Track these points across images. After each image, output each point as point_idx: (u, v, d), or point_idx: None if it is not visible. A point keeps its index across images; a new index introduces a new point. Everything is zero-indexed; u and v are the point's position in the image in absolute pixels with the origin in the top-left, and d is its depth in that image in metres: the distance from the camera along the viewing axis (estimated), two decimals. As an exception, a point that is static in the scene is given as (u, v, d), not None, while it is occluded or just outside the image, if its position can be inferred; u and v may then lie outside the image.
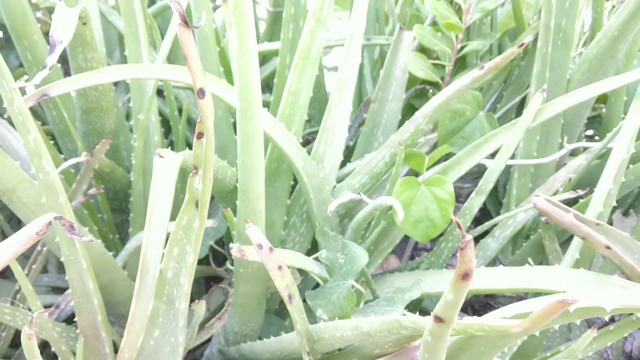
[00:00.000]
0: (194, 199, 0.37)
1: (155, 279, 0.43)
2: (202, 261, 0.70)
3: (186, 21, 0.28)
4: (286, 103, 0.59)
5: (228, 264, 0.56)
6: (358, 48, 0.63)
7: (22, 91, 0.79)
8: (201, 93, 0.29)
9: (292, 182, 0.62)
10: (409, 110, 0.77)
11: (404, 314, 0.47)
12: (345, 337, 0.43)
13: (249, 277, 0.53)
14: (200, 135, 0.31)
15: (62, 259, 0.46)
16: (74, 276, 0.47)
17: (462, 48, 0.69)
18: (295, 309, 0.43)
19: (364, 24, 0.63)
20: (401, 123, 0.69)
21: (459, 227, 0.25)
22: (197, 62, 0.28)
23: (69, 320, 0.61)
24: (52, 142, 0.69)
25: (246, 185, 0.46)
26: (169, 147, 0.77)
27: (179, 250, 0.41)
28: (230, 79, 0.72)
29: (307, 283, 0.64)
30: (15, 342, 0.62)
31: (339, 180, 0.64)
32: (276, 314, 0.64)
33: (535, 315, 0.25)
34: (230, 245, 0.47)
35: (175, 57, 0.84)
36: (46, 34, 0.70)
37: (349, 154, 0.74)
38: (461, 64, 0.71)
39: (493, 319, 0.31)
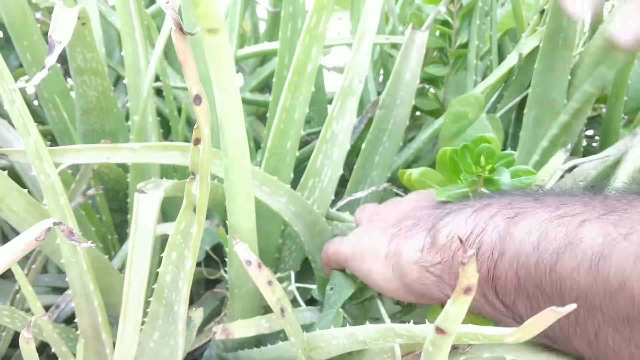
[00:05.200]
0: (191, 204, 0.37)
1: (138, 324, 0.44)
2: (202, 262, 0.70)
3: (181, 27, 0.28)
4: (280, 119, 0.58)
5: (222, 272, 0.56)
6: (368, 50, 0.60)
7: (23, 92, 0.79)
8: (197, 100, 0.29)
9: (292, 176, 0.62)
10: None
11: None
12: (341, 345, 0.43)
13: (244, 296, 0.53)
14: (197, 142, 0.31)
15: (62, 261, 0.46)
16: (75, 278, 0.47)
17: (459, 46, 0.69)
18: (289, 322, 0.43)
19: (376, 22, 0.60)
20: (408, 128, 0.68)
21: (461, 241, 0.25)
22: (193, 69, 0.28)
23: (69, 320, 0.61)
24: (52, 142, 0.69)
25: (234, 207, 0.46)
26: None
27: (177, 254, 0.41)
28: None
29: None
30: (15, 342, 0.62)
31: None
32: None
33: (527, 323, 0.26)
34: (214, 328, 0.47)
35: (174, 56, 0.84)
36: (46, 34, 0.70)
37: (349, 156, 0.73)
38: (462, 63, 0.71)
39: (487, 328, 0.31)
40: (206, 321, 0.61)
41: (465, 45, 0.70)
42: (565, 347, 0.34)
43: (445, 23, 0.69)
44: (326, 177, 0.61)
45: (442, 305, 0.50)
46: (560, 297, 0.31)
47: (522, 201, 0.36)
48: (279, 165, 0.61)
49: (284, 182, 0.61)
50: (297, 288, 0.58)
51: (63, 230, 0.36)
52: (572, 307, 0.24)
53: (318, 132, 0.80)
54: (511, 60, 0.66)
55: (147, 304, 0.46)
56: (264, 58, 0.97)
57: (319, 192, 0.61)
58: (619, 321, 0.29)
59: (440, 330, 0.29)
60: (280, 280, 0.57)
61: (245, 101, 0.86)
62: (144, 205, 0.45)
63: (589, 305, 0.30)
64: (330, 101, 0.95)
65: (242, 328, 0.48)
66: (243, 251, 0.39)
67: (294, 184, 0.61)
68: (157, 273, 0.44)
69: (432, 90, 0.75)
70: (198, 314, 0.44)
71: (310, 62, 0.56)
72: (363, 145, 0.67)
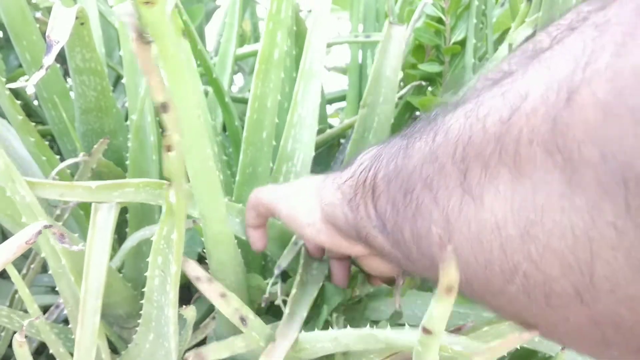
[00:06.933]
0: (171, 210, 0.37)
1: (95, 330, 0.44)
2: (202, 260, 0.70)
3: (142, 35, 0.27)
4: (253, 108, 0.58)
5: None
6: (322, 31, 0.60)
7: (23, 91, 0.79)
8: (163, 108, 0.28)
9: (271, 165, 0.62)
10: (406, 109, 0.76)
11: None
12: (325, 348, 0.43)
13: (228, 288, 0.52)
14: (169, 149, 0.31)
15: (50, 272, 0.47)
16: (64, 288, 0.47)
17: (454, 43, 0.69)
18: (253, 329, 0.43)
19: (328, 4, 0.60)
20: (394, 125, 0.67)
21: (441, 245, 0.25)
22: (157, 78, 0.28)
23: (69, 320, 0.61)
24: (51, 142, 0.69)
25: (206, 213, 0.46)
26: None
27: (162, 259, 0.41)
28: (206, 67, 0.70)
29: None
30: (15, 342, 0.62)
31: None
32: (270, 314, 0.64)
33: (494, 345, 0.26)
34: (186, 355, 0.47)
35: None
36: (45, 34, 0.71)
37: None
38: (459, 62, 0.71)
39: (458, 341, 0.31)
40: (202, 318, 0.61)
41: (461, 43, 0.70)
42: (400, 237, 0.34)
43: (440, 21, 0.69)
44: (299, 161, 0.61)
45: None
46: (407, 172, 0.32)
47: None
48: (257, 156, 0.61)
49: (263, 173, 0.61)
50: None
51: (54, 234, 0.36)
52: (534, 335, 0.24)
53: (322, 130, 0.80)
54: (502, 52, 0.66)
55: (140, 306, 0.47)
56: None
57: (293, 176, 0.61)
58: (430, 166, 0.29)
59: (426, 331, 0.30)
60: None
61: (245, 101, 0.85)
62: (102, 215, 0.46)
63: (420, 169, 0.31)
64: (329, 101, 0.95)
65: (216, 351, 0.48)
66: (191, 268, 0.39)
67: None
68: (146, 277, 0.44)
69: (429, 88, 0.75)
70: (190, 312, 0.45)
71: (277, 48, 0.56)
72: (349, 146, 0.67)
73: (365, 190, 0.37)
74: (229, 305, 0.42)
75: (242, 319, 0.42)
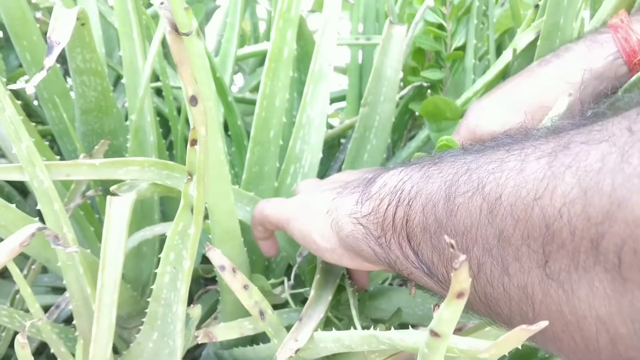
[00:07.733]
0: (189, 205, 0.37)
1: (111, 325, 0.43)
2: (204, 260, 0.70)
3: (176, 28, 0.27)
4: (261, 107, 0.58)
5: None
6: (333, 35, 0.60)
7: (23, 91, 0.79)
8: (193, 101, 0.29)
9: (277, 165, 0.62)
10: (407, 109, 0.76)
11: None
12: (328, 348, 0.44)
13: None
14: (193, 142, 0.31)
15: (58, 264, 0.46)
16: (72, 281, 0.47)
17: (455, 49, 0.69)
18: (270, 324, 0.43)
19: (339, 7, 0.60)
20: (395, 125, 0.67)
21: (452, 247, 0.25)
22: (188, 70, 0.28)
23: (70, 320, 0.61)
24: (51, 142, 0.69)
25: (215, 208, 0.46)
26: (169, 147, 0.77)
27: (175, 255, 0.41)
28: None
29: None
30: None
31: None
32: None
33: (500, 341, 0.26)
34: (196, 333, 0.47)
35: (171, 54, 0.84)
36: (46, 34, 0.70)
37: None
38: (459, 64, 0.71)
39: (464, 340, 0.31)
40: (204, 318, 0.61)
41: (462, 48, 0.70)
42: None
43: (441, 27, 0.69)
44: (307, 163, 0.61)
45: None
46: (455, 230, 0.31)
47: (451, 152, 0.37)
48: (264, 155, 0.61)
49: (270, 172, 0.61)
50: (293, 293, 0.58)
51: (48, 235, 0.36)
52: (544, 324, 0.24)
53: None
54: (507, 56, 0.66)
55: (145, 304, 0.46)
56: (264, 58, 0.96)
57: (301, 177, 0.61)
58: (493, 239, 0.29)
59: (434, 334, 0.30)
60: (274, 285, 0.57)
61: (245, 101, 0.86)
62: (116, 208, 0.45)
63: (474, 232, 0.30)
64: (329, 101, 0.95)
65: (225, 331, 0.48)
66: (216, 257, 0.39)
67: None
68: (155, 274, 0.44)
69: (429, 91, 0.75)
70: (196, 312, 0.45)
71: (286, 46, 0.57)
72: (350, 145, 0.67)
73: (396, 231, 0.36)
74: (251, 297, 0.42)
75: (261, 313, 0.43)
